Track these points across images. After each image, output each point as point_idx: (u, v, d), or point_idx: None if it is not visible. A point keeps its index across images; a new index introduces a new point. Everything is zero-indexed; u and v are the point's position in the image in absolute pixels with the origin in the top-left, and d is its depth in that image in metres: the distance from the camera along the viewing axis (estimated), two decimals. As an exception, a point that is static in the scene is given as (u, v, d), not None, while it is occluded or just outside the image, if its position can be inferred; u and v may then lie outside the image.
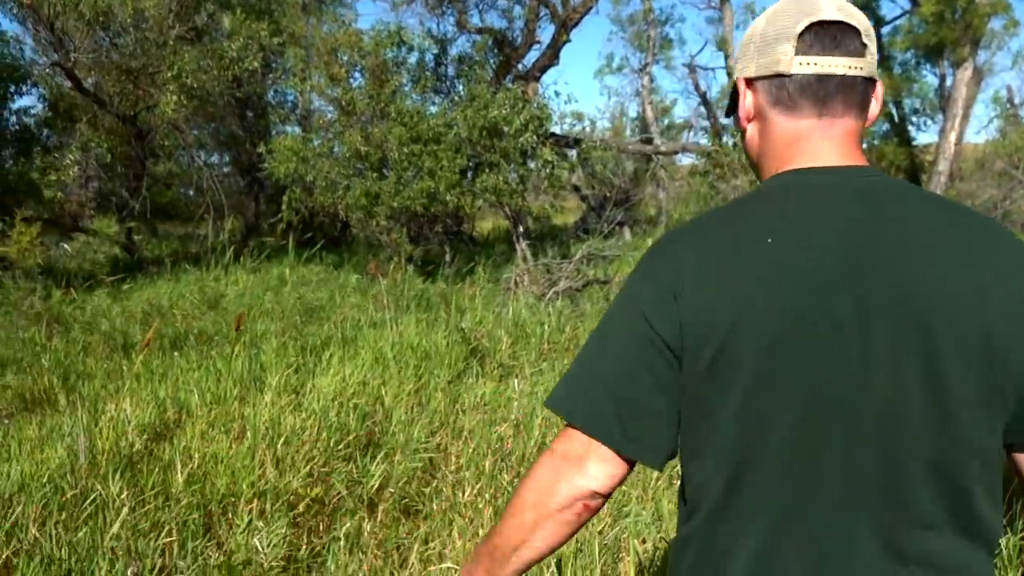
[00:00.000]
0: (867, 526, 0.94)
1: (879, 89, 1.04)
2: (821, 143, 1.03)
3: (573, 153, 12.94)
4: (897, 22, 20.46)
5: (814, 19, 1.00)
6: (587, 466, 1.01)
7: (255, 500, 3.17)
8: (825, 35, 1.01)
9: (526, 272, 9.28)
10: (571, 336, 6.43)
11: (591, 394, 1.02)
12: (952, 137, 17.91)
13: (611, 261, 9.02)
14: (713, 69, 21.30)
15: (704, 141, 19.04)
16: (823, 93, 1.02)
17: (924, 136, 20.81)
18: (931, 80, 20.69)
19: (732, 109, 1.14)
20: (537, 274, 9.16)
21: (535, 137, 9.45)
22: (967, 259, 0.93)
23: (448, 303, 7.35)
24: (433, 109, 10.95)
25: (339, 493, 3.37)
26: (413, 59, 11.55)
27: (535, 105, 9.62)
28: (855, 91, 1.03)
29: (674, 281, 0.98)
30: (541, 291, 8.81)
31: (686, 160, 17.24)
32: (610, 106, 21.66)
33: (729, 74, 19.47)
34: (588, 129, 16.26)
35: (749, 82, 1.08)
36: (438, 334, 5.91)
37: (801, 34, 1.01)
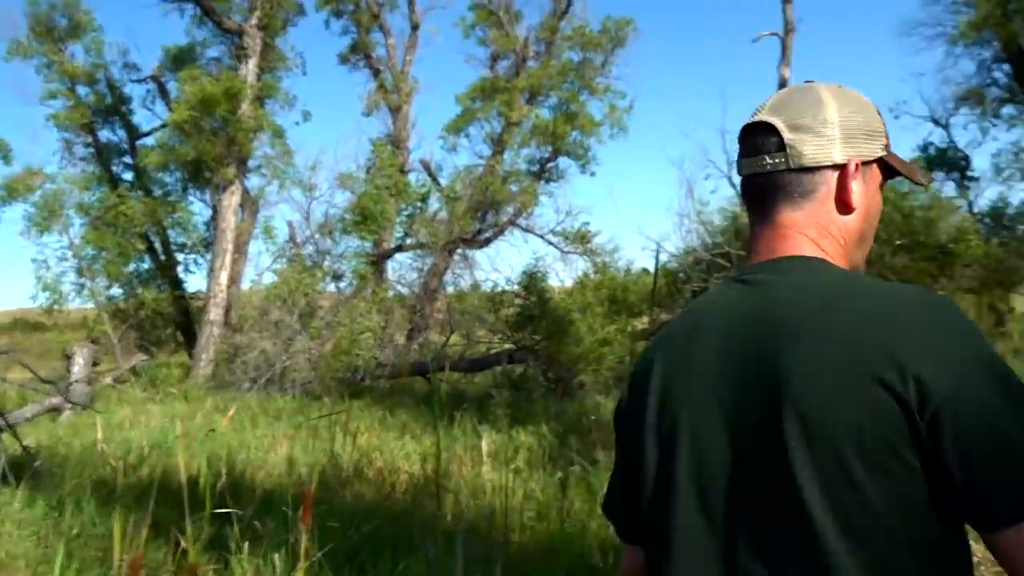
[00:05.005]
0: None
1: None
2: None
3: None
4: (156, 135, 16.27)
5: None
6: None
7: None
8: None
9: None
10: None
11: None
12: (223, 278, 14.05)
13: None
14: None
15: None
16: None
17: (196, 280, 16.93)
18: (204, 212, 16.82)
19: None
20: None
21: None
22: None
23: None
24: None
25: None
26: None
27: None
28: None
29: None
30: None
31: None
32: None
33: None
34: None
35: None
36: None
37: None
